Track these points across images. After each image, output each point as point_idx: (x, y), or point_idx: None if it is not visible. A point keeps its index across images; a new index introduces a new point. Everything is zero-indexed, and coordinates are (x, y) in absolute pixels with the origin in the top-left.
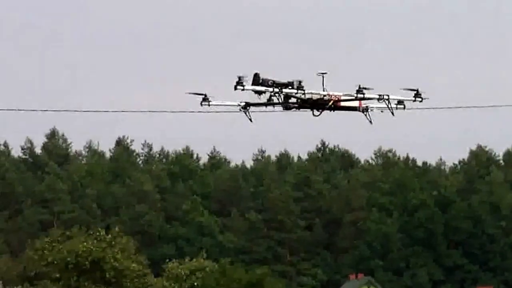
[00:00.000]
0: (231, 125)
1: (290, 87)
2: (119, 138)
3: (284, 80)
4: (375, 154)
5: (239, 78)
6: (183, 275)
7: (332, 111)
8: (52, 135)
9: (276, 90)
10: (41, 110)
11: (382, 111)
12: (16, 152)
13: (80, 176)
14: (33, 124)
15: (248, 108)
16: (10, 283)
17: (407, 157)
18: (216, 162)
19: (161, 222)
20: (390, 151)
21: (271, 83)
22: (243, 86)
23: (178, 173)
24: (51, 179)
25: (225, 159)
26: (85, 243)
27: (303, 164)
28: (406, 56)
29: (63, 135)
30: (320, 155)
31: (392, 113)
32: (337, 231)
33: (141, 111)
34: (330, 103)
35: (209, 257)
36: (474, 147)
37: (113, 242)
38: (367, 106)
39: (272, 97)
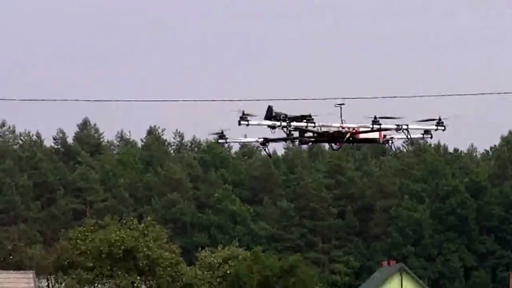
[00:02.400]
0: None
1: (304, 121)
2: (150, 127)
3: (297, 114)
4: (406, 141)
5: (243, 113)
6: (215, 263)
7: (351, 144)
8: (84, 125)
9: (284, 124)
10: (73, 100)
11: (404, 143)
12: (49, 143)
13: (112, 166)
14: (65, 114)
15: (267, 144)
16: (43, 272)
17: (438, 144)
18: (248, 150)
19: (193, 210)
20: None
21: (283, 117)
22: (247, 121)
23: (210, 161)
24: (84, 169)
25: (257, 148)
26: (118, 232)
27: (335, 151)
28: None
29: (95, 125)
30: None
31: (412, 143)
32: (369, 218)
33: (173, 100)
34: (348, 136)
35: (242, 245)
36: (505, 133)
37: (145, 231)
38: (390, 138)
39: (288, 131)
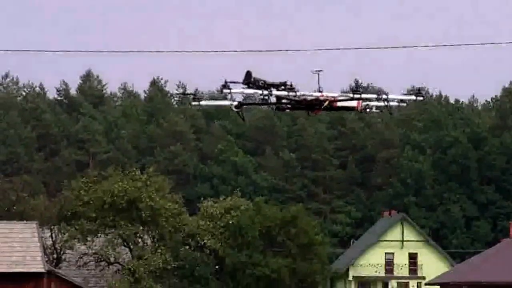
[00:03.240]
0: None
1: (282, 88)
2: (153, 79)
3: (276, 81)
4: (408, 92)
5: (225, 82)
6: (218, 213)
7: (328, 111)
8: (87, 77)
9: (266, 92)
10: (76, 51)
11: (381, 111)
12: (52, 94)
13: (115, 117)
14: (68, 66)
15: (241, 107)
16: (46, 222)
17: (440, 95)
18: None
19: (196, 161)
20: (423, 88)
21: (262, 83)
22: (230, 89)
23: (213, 113)
24: (87, 120)
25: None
26: (120, 183)
27: None
28: None
29: (98, 76)
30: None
31: (390, 113)
32: (371, 168)
33: (175, 51)
34: (326, 104)
35: (244, 196)
36: (506, 84)
37: (148, 182)
38: (366, 106)
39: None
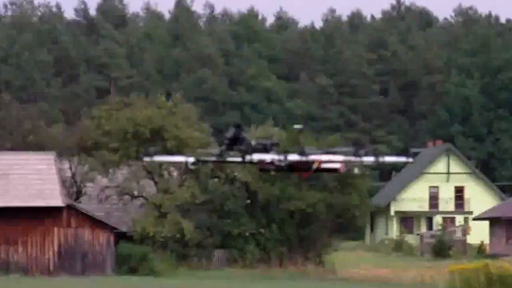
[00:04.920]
0: None
1: (270, 147)
2: None
3: (266, 140)
4: (454, 11)
5: (147, 150)
6: None
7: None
8: None
9: (255, 159)
10: None
11: (366, 173)
12: (69, 15)
13: (138, 40)
14: None
15: (199, 164)
16: (65, 153)
17: (490, 14)
18: (283, 23)
19: (225, 88)
20: (470, 8)
21: (252, 145)
22: (151, 157)
23: (242, 35)
24: (107, 43)
25: (293, 20)
26: (144, 111)
27: (377, 23)
28: None
29: None
30: (395, 13)
31: (381, 169)
32: (414, 95)
33: None
34: (314, 167)
35: (277, 124)
36: None
37: (174, 110)
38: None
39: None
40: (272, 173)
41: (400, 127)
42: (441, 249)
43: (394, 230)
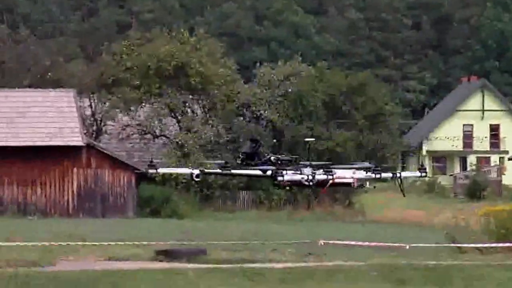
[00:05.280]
0: None
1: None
2: None
3: (285, 156)
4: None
5: (151, 161)
6: (275, 80)
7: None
8: None
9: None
10: None
11: (374, 187)
12: None
13: None
14: None
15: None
16: (85, 90)
17: None
18: None
19: (251, 22)
20: None
21: (274, 159)
22: (156, 170)
23: None
24: None
25: None
26: (167, 47)
27: None
28: None
29: None
30: None
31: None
32: (448, 29)
33: None
34: (329, 183)
35: (305, 60)
36: None
37: (198, 45)
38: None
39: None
40: (287, 188)
41: (433, 62)
42: (475, 190)
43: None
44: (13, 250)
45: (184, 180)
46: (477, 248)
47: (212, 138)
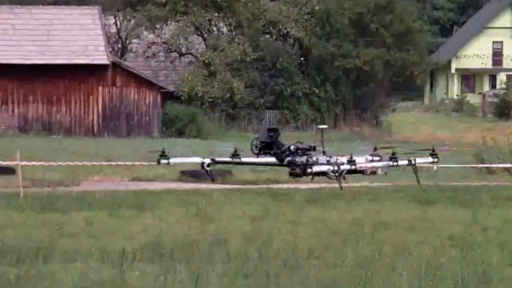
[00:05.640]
0: None
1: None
2: None
3: (304, 145)
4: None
5: (162, 151)
6: None
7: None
8: None
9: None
10: None
11: (386, 173)
12: None
13: None
14: None
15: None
16: (109, 8)
17: None
18: None
19: None
20: None
21: (293, 148)
22: (167, 160)
23: None
24: None
25: None
26: None
27: None
28: None
29: None
30: None
31: (418, 180)
32: None
33: None
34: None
35: None
36: None
37: None
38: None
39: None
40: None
41: None
42: (505, 109)
43: (454, 89)
44: (37, 170)
45: (210, 99)
46: (506, 168)
47: (238, 56)
